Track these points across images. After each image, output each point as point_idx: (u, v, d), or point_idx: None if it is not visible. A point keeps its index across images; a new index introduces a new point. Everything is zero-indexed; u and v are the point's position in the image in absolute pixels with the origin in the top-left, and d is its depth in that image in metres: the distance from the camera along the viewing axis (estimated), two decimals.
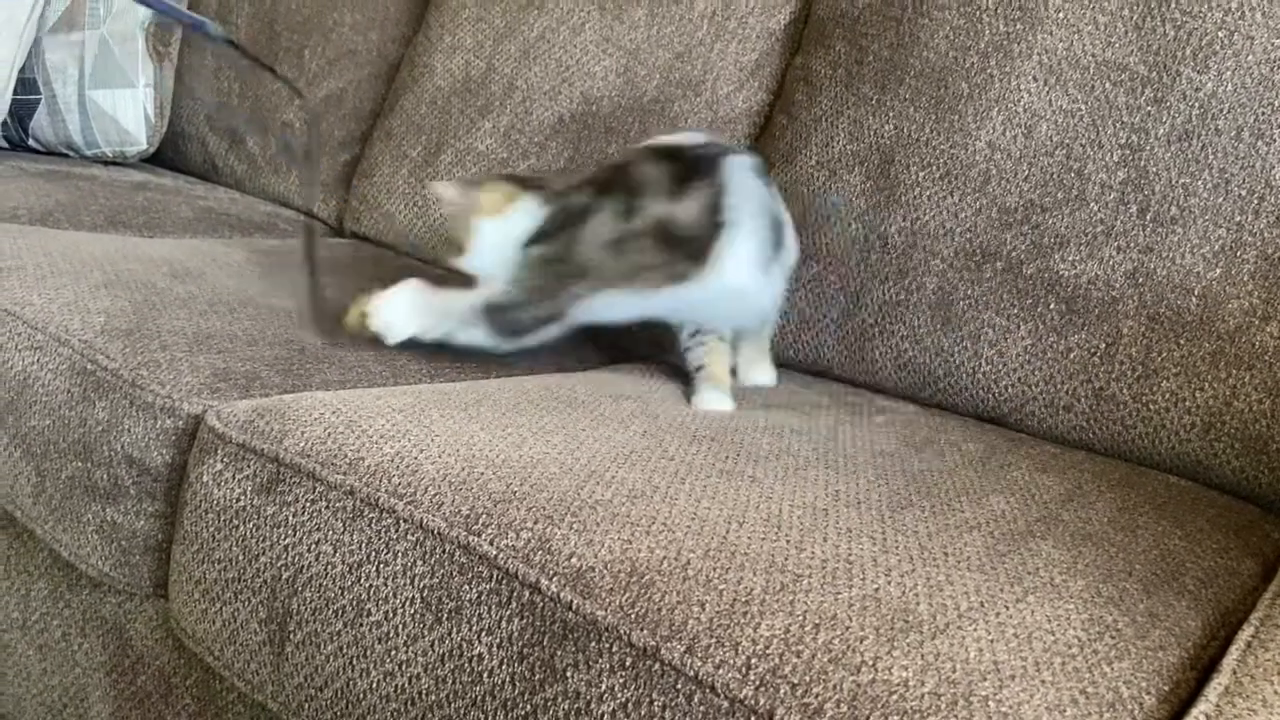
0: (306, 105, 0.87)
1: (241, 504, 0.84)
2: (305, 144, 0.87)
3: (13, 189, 1.60)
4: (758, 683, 0.60)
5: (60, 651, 1.09)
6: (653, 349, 1.21)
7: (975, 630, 0.64)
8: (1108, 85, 1.10)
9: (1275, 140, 1.02)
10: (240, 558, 0.83)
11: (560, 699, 0.65)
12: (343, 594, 0.76)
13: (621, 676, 0.63)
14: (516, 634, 0.68)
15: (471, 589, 0.71)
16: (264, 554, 0.81)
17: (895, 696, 0.58)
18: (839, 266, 1.22)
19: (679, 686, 0.62)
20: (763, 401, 1.07)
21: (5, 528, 1.13)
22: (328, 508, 0.79)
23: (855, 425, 1.03)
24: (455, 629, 0.71)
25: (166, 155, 2.02)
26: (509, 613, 0.69)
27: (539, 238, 0.95)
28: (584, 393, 1.01)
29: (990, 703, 0.57)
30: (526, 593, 0.69)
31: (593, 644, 0.65)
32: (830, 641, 0.62)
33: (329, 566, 0.77)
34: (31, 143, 1.91)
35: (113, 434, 0.96)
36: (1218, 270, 1.03)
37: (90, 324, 1.04)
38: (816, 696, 0.59)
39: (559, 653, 0.66)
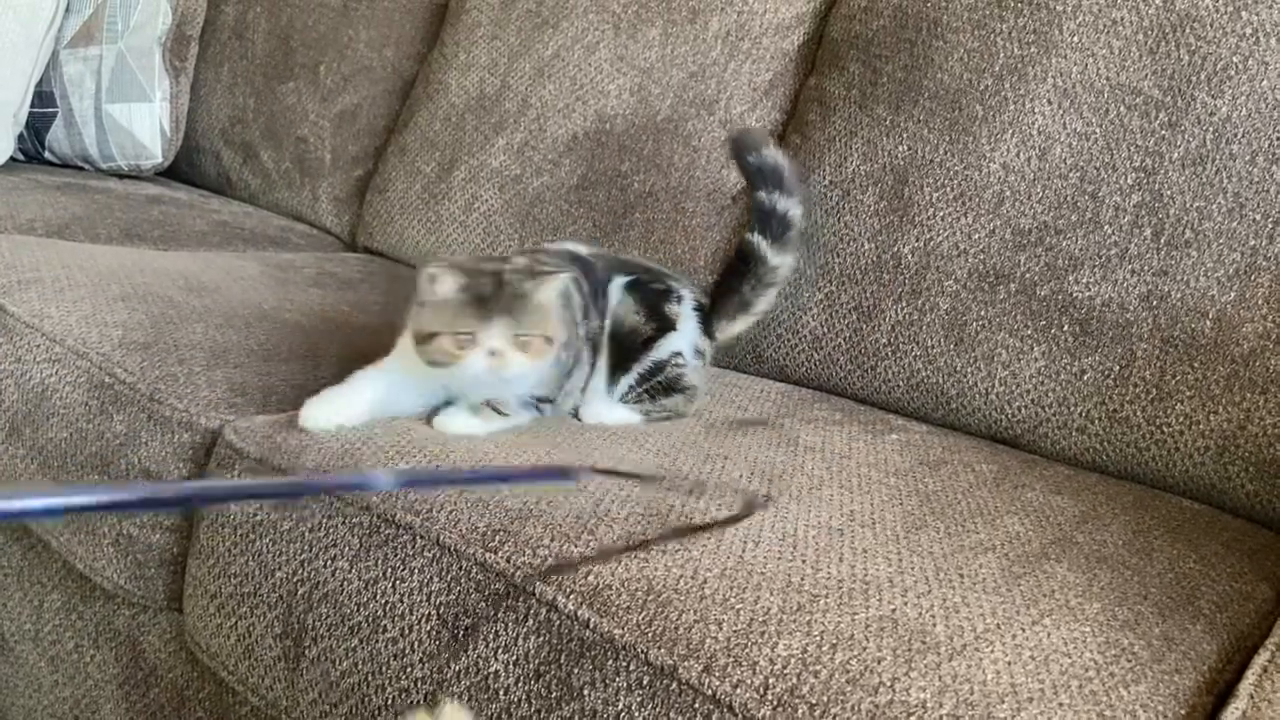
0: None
1: (258, 519, 0.84)
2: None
3: (29, 201, 1.61)
4: (775, 703, 0.60)
5: (73, 663, 1.09)
6: None
7: (992, 652, 0.64)
8: (1122, 109, 1.11)
9: None
10: (256, 572, 0.83)
11: (577, 717, 0.65)
12: (358, 610, 0.76)
13: (639, 695, 0.63)
14: (533, 651, 0.68)
15: (488, 606, 0.71)
16: (280, 569, 0.81)
17: (913, 718, 0.58)
18: (852, 286, 1.22)
19: (696, 706, 0.62)
20: (777, 416, 1.07)
21: (20, 539, 1.13)
22: (344, 524, 0.79)
23: (869, 444, 1.03)
24: (471, 646, 0.71)
25: (181, 169, 2.03)
26: (525, 630, 0.69)
27: None
28: None
29: None
30: (543, 610, 0.69)
31: (610, 662, 0.65)
32: (848, 662, 0.62)
33: (345, 582, 0.78)
34: (48, 155, 1.92)
35: (130, 447, 0.96)
36: (1232, 294, 1.03)
37: (108, 337, 1.05)
38: (835, 717, 0.59)
39: (576, 671, 0.66)
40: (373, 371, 0.90)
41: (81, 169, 1.93)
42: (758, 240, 1.10)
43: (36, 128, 1.88)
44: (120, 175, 1.94)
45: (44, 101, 1.87)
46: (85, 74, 1.87)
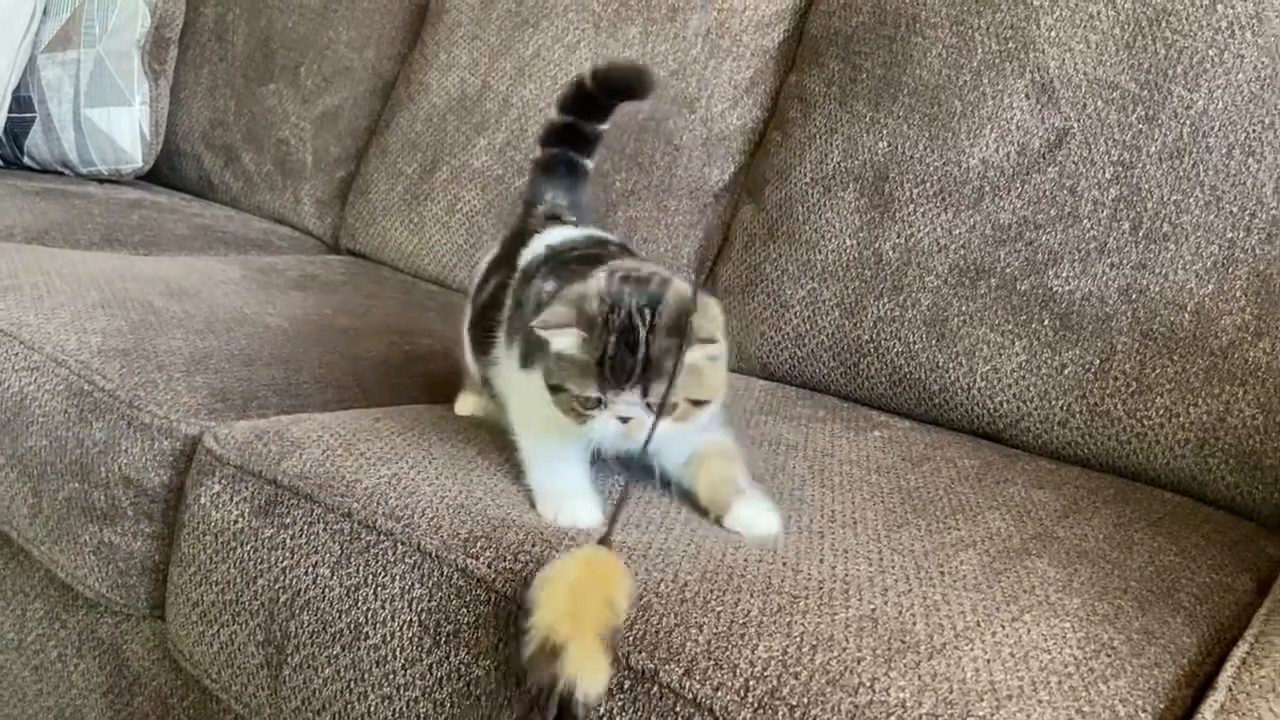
0: None
1: (239, 526, 0.84)
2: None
3: (8, 207, 1.60)
4: (756, 705, 0.60)
5: (56, 672, 1.08)
6: None
7: (972, 650, 0.64)
8: (1099, 103, 1.11)
9: (1266, 157, 1.03)
10: (238, 580, 0.83)
11: None
12: (340, 617, 0.76)
13: (620, 699, 0.63)
14: (515, 658, 0.68)
15: (469, 612, 0.71)
16: (261, 576, 0.81)
17: (893, 718, 0.58)
18: (834, 282, 1.22)
19: (678, 709, 0.62)
20: (759, 413, 1.07)
21: (1, 548, 1.12)
22: (325, 530, 0.79)
23: (851, 441, 1.03)
24: (453, 652, 0.71)
25: (162, 173, 2.02)
26: (507, 636, 0.69)
27: None
28: None
29: None
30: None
31: None
32: (828, 663, 0.62)
33: (327, 589, 0.77)
34: (26, 161, 1.91)
35: (110, 455, 0.96)
36: (1210, 287, 1.03)
37: (87, 344, 1.04)
38: (815, 719, 0.59)
39: None
40: (542, 447, 0.79)
41: (61, 174, 1.92)
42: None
43: (15, 133, 1.87)
44: (100, 180, 1.93)
45: (22, 106, 1.86)
46: (63, 78, 1.86)
